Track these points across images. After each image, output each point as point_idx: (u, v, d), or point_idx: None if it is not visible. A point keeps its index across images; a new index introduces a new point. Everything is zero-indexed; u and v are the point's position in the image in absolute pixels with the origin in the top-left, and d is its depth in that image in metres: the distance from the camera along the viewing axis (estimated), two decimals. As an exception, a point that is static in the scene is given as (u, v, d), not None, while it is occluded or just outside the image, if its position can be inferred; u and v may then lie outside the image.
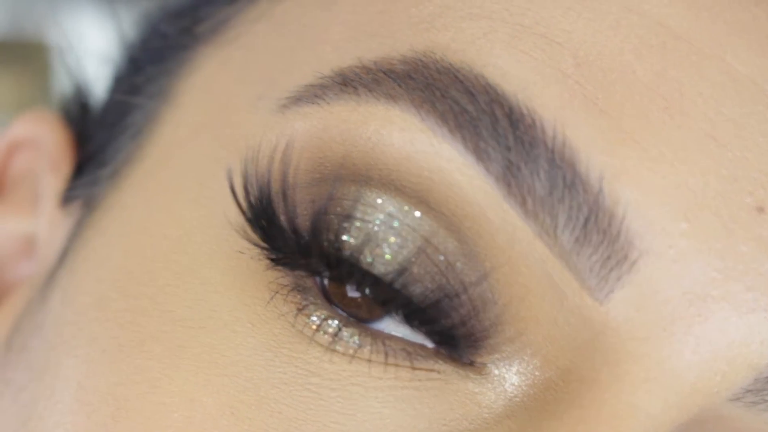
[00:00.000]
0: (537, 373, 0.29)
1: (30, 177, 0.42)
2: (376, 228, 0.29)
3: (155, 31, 0.41)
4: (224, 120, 0.33)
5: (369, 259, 0.29)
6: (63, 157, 0.40)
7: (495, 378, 0.29)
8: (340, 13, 0.32)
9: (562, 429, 0.28)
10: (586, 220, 0.28)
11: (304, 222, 0.29)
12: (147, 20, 0.43)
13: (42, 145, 0.41)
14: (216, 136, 0.33)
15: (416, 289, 0.29)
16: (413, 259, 0.29)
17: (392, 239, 0.29)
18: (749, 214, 0.29)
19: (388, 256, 0.29)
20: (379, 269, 0.29)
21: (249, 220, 0.30)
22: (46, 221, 0.39)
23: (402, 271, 0.29)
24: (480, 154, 0.29)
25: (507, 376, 0.29)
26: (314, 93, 0.31)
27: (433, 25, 0.30)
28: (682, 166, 0.28)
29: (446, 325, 0.29)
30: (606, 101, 0.29)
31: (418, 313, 0.29)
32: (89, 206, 0.37)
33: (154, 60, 0.39)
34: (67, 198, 0.39)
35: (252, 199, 0.30)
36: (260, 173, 0.30)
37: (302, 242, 0.29)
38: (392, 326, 0.30)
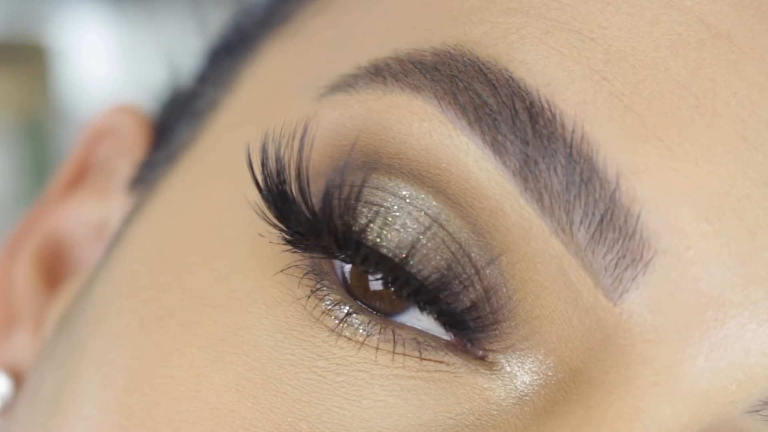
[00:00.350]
0: (550, 374, 0.29)
1: (109, 164, 0.43)
2: (390, 210, 0.29)
3: (236, 26, 0.42)
4: (269, 108, 0.34)
5: (378, 238, 0.29)
6: (137, 144, 0.41)
7: (506, 375, 0.29)
8: (388, 4, 0.33)
9: (565, 428, 0.27)
10: (602, 217, 0.28)
11: (317, 200, 0.30)
12: (232, 17, 0.44)
13: (122, 133, 0.43)
14: (259, 124, 0.33)
15: (426, 270, 0.29)
16: (425, 241, 0.29)
17: (406, 221, 0.29)
18: None
19: (398, 236, 0.29)
20: (388, 248, 0.29)
21: (264, 197, 0.30)
22: (116, 206, 0.41)
23: (411, 249, 0.29)
24: (498, 148, 0.28)
25: (519, 374, 0.29)
26: (347, 82, 0.31)
27: (470, 18, 0.30)
28: (707, 166, 0.28)
29: (457, 307, 0.29)
30: (632, 97, 0.28)
31: (426, 293, 0.29)
32: (147, 190, 0.37)
33: (228, 51, 0.40)
34: (135, 182, 0.40)
35: (267, 174, 0.30)
36: (278, 151, 0.30)
37: (315, 220, 0.29)
38: (414, 320, 0.30)
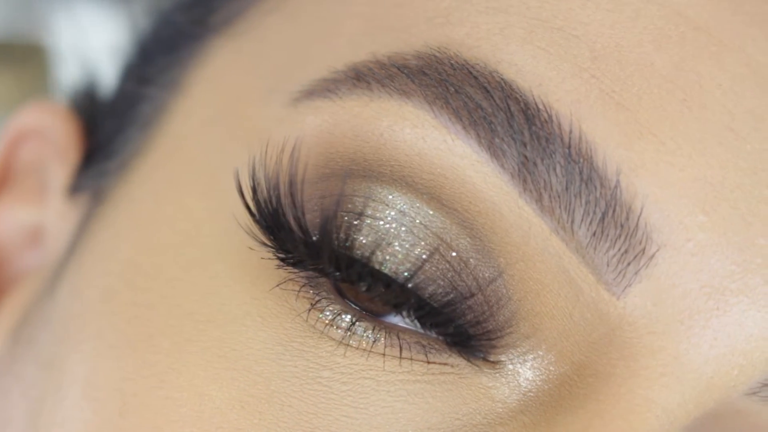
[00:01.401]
0: (552, 368, 0.29)
1: (37, 167, 0.41)
2: (387, 225, 0.29)
3: (167, 22, 0.41)
4: (235, 112, 0.33)
5: (380, 259, 0.29)
6: (70, 147, 0.40)
7: (509, 372, 0.29)
8: (356, 5, 0.32)
9: (577, 423, 0.28)
10: (603, 215, 0.28)
11: (313, 222, 0.29)
12: (159, 10, 0.42)
13: (49, 135, 0.41)
14: (227, 129, 0.32)
15: (429, 290, 0.29)
16: (426, 257, 0.29)
17: (404, 237, 0.29)
18: None
19: (400, 255, 0.29)
20: (390, 269, 0.29)
21: (257, 222, 0.30)
22: (53, 212, 0.39)
23: (414, 270, 0.29)
24: (495, 151, 0.28)
25: (521, 371, 0.29)
26: (327, 87, 0.30)
27: (448, 19, 0.30)
28: (700, 159, 0.28)
29: (460, 324, 0.29)
30: (623, 94, 0.28)
31: (432, 316, 0.29)
32: (97, 198, 0.36)
33: (165, 50, 0.39)
34: (75, 189, 0.38)
35: (260, 199, 0.30)
36: (268, 173, 0.30)
37: (311, 244, 0.29)
38: (407, 321, 0.30)
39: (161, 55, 0.39)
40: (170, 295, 0.31)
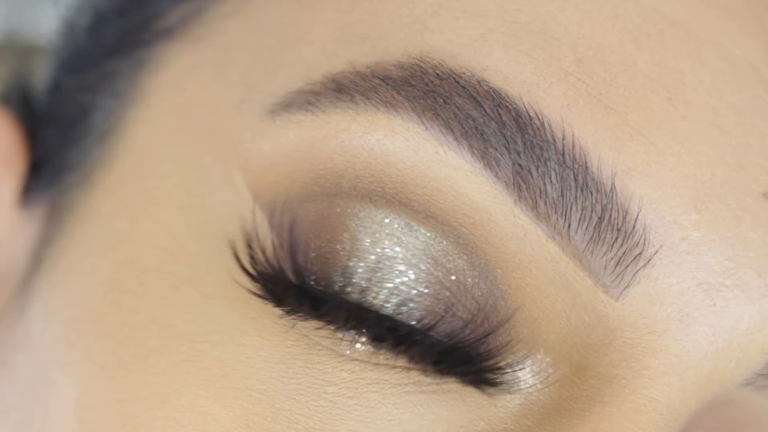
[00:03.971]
0: (550, 371, 0.29)
1: None
2: (384, 259, 0.29)
3: (106, 23, 0.39)
4: (204, 123, 0.32)
5: (380, 301, 0.29)
6: (16, 154, 0.38)
7: (509, 378, 0.29)
8: (324, 11, 0.31)
9: (585, 426, 0.28)
10: (600, 219, 0.28)
11: (317, 277, 0.29)
12: (92, 8, 0.40)
13: None
14: (198, 141, 0.32)
15: (437, 327, 0.29)
16: (430, 291, 0.29)
17: (402, 268, 0.29)
18: (756, 200, 0.29)
19: (399, 293, 0.29)
20: (395, 311, 0.29)
21: (254, 279, 0.29)
22: (3, 221, 0.38)
23: (424, 319, 0.29)
24: (488, 161, 0.28)
25: (521, 375, 0.29)
26: (306, 100, 0.30)
27: (426, 26, 0.29)
28: (689, 157, 0.28)
29: (465, 349, 0.29)
30: (610, 96, 0.28)
31: (439, 346, 0.29)
32: (59, 213, 0.35)
33: (108, 55, 0.37)
34: (28, 200, 0.37)
35: (259, 268, 0.29)
36: (268, 259, 0.29)
37: (318, 299, 0.29)
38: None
39: (104, 60, 0.37)
40: (162, 315, 0.30)
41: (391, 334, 0.29)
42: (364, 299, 0.29)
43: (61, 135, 0.38)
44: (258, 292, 0.29)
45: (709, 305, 0.28)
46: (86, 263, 0.33)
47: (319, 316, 0.29)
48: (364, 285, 0.29)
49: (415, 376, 0.29)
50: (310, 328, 0.29)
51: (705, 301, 0.28)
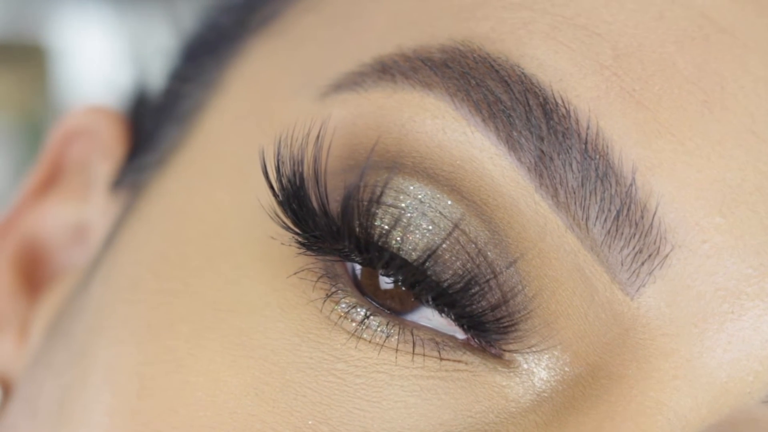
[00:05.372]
0: (567, 369, 0.29)
1: (84, 166, 0.42)
2: (407, 213, 0.29)
3: (212, 24, 0.42)
4: (266, 108, 0.33)
5: (398, 244, 0.29)
6: (115, 144, 0.41)
7: (523, 372, 0.29)
8: (386, 2, 0.32)
9: (588, 424, 0.28)
10: (618, 213, 0.28)
11: (335, 205, 0.29)
12: (206, 14, 0.43)
13: (96, 134, 0.42)
14: (257, 125, 0.33)
15: (446, 274, 0.29)
16: (443, 245, 0.29)
17: (423, 224, 0.29)
18: None
19: (418, 241, 0.29)
20: (408, 253, 0.29)
21: (280, 203, 0.30)
22: (97, 208, 0.40)
23: (431, 255, 0.29)
24: (513, 144, 0.28)
25: (536, 371, 0.29)
26: (353, 80, 0.31)
27: (474, 14, 0.30)
28: (719, 161, 0.28)
29: (475, 311, 0.29)
30: (643, 93, 0.28)
31: (445, 297, 0.29)
32: (136, 193, 0.37)
33: (208, 51, 0.40)
34: (117, 184, 0.39)
35: (284, 180, 0.30)
36: (293, 154, 0.30)
37: (333, 225, 0.29)
38: (424, 319, 0.30)
39: (204, 55, 0.40)
40: (193, 283, 0.31)
41: (403, 272, 0.29)
42: (381, 240, 0.29)
43: (154, 122, 0.40)
44: (281, 215, 0.30)
45: (727, 312, 0.28)
46: (142, 237, 0.34)
47: (334, 246, 0.29)
48: (384, 228, 0.29)
49: (425, 361, 0.29)
50: (321, 297, 0.30)
51: (722, 307, 0.28)
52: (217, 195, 0.33)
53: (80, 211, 0.41)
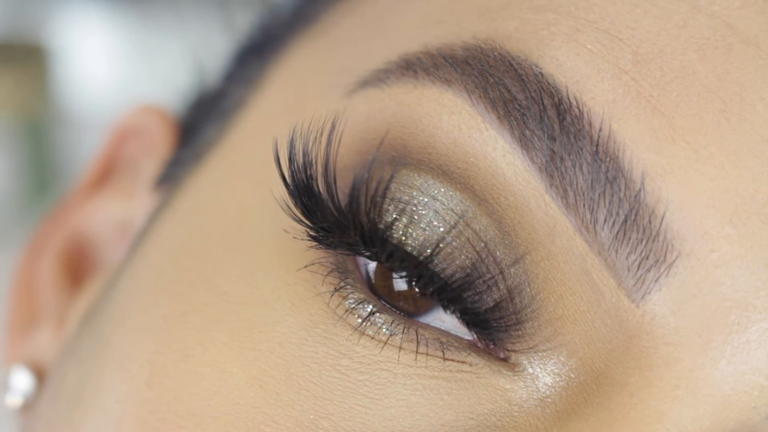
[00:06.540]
0: (572, 375, 0.29)
1: (135, 165, 0.43)
2: (417, 207, 0.29)
3: (261, 26, 0.43)
4: (298, 106, 0.34)
5: (405, 237, 0.29)
6: (163, 144, 0.42)
7: (528, 376, 0.29)
8: (418, 3, 0.33)
9: (586, 431, 0.27)
10: (626, 217, 0.28)
11: (344, 196, 0.30)
12: (258, 17, 0.44)
13: (148, 133, 0.43)
14: (288, 122, 0.33)
15: (451, 268, 0.29)
16: (450, 240, 0.29)
17: (432, 219, 0.29)
18: None
19: (425, 234, 0.29)
20: (415, 245, 0.29)
21: (291, 193, 0.30)
22: (141, 206, 0.41)
23: (438, 249, 0.29)
24: (525, 143, 0.29)
25: (541, 376, 0.29)
26: (378, 77, 0.31)
27: (499, 14, 0.30)
28: (733, 170, 0.28)
29: (480, 306, 0.29)
30: (660, 99, 0.28)
31: (449, 291, 0.29)
32: (173, 188, 0.38)
33: (254, 51, 0.41)
34: (160, 181, 0.40)
35: (295, 170, 0.30)
36: (306, 145, 0.30)
37: (341, 215, 0.29)
38: (437, 321, 0.30)
39: (251, 55, 0.40)
40: (210, 275, 0.32)
41: (407, 266, 0.29)
42: (387, 232, 0.29)
43: (197, 119, 0.41)
44: (291, 206, 0.30)
45: (733, 324, 0.27)
46: (169, 230, 0.35)
47: (342, 238, 0.30)
48: (392, 221, 0.29)
49: (428, 360, 0.29)
50: (329, 290, 0.30)
51: (729, 318, 0.27)
52: (242, 190, 0.33)
53: (127, 209, 0.42)
